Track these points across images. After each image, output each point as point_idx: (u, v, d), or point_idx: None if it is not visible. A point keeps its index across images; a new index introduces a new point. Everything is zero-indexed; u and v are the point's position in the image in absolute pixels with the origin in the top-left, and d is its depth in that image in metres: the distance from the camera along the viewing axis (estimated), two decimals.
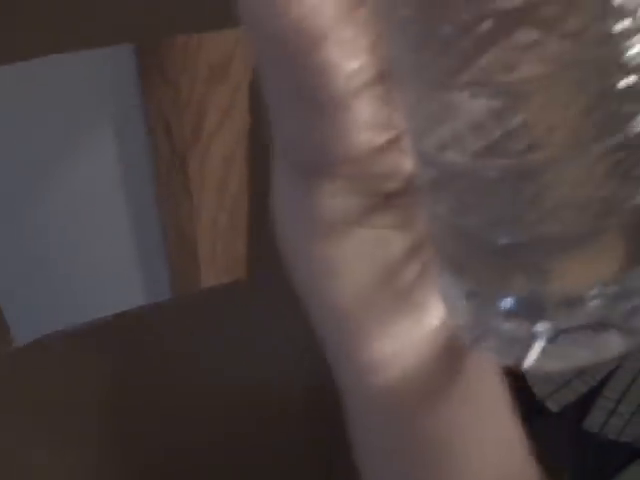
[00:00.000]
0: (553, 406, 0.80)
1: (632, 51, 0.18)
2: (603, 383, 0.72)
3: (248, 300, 0.66)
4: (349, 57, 0.21)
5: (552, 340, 0.20)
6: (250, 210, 0.81)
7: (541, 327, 0.20)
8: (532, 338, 0.20)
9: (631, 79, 0.18)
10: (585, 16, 0.18)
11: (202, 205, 0.89)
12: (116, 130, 0.85)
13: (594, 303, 0.20)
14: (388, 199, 0.23)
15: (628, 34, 0.18)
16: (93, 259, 0.87)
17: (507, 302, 0.20)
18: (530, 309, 0.20)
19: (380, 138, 0.22)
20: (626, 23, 0.18)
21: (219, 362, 0.66)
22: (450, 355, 0.25)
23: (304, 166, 0.23)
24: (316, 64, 0.21)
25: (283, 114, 0.23)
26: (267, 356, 0.69)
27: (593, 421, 0.73)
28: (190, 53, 0.78)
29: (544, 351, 0.20)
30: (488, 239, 0.20)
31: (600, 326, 0.20)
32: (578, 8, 0.18)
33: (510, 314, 0.21)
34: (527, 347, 0.20)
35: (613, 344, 0.20)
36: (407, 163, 0.22)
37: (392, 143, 0.22)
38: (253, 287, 0.66)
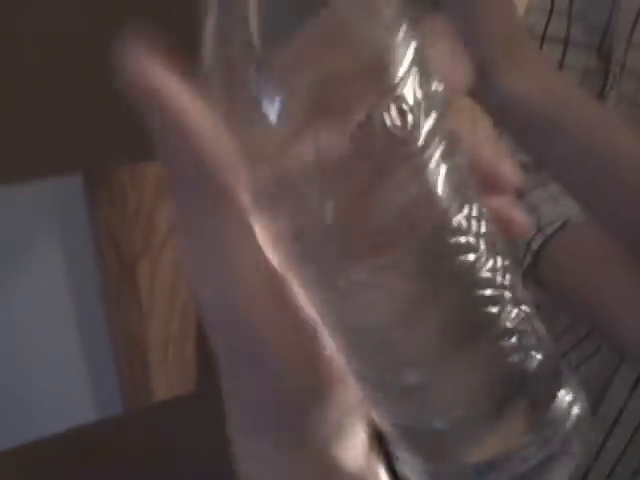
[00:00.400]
0: None
1: (486, 274, 0.23)
2: None
3: (198, 412, 0.68)
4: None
5: None
6: (199, 319, 0.81)
7: None
8: None
9: (488, 291, 0.24)
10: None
11: (153, 312, 0.90)
12: (64, 247, 0.87)
13: (520, 456, 0.24)
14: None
15: (480, 262, 0.23)
16: (42, 374, 0.87)
17: (456, 470, 0.25)
18: (476, 473, 0.25)
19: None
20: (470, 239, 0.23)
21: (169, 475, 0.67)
22: None
23: (263, 424, 0.25)
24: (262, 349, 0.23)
25: (238, 381, 0.25)
26: (216, 468, 0.69)
27: None
28: (137, 170, 0.80)
29: None
30: (424, 427, 0.25)
31: (530, 474, 0.24)
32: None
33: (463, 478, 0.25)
34: None
35: None
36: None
37: None
38: (202, 398, 0.67)
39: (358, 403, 0.26)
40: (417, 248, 0.23)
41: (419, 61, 0.22)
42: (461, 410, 0.24)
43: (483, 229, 0.24)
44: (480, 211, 0.24)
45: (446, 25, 0.26)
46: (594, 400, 0.71)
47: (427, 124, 0.22)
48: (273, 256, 0.24)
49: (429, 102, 0.22)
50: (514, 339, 0.24)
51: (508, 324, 0.24)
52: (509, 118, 0.54)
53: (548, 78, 0.54)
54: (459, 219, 0.23)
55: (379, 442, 0.27)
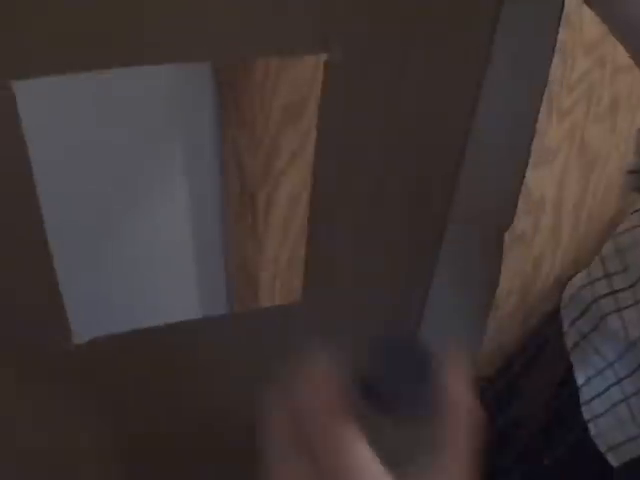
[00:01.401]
0: (613, 460, 0.77)
1: None
2: None
3: (301, 321, 0.68)
4: None
5: None
6: (308, 248, 0.82)
7: None
8: None
9: None
10: None
11: (266, 242, 0.92)
12: (190, 164, 0.89)
13: None
14: None
15: None
16: (155, 280, 0.90)
17: None
18: None
19: None
20: None
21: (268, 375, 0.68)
22: None
23: None
24: None
25: None
26: None
27: None
28: (266, 93, 0.81)
29: None
30: None
31: None
32: None
33: None
34: None
35: None
36: None
37: None
38: (307, 309, 0.68)
39: None
40: None
41: None
42: None
43: None
44: None
45: None
46: None
47: None
48: None
49: None
50: None
51: None
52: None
53: None
54: None
55: None
